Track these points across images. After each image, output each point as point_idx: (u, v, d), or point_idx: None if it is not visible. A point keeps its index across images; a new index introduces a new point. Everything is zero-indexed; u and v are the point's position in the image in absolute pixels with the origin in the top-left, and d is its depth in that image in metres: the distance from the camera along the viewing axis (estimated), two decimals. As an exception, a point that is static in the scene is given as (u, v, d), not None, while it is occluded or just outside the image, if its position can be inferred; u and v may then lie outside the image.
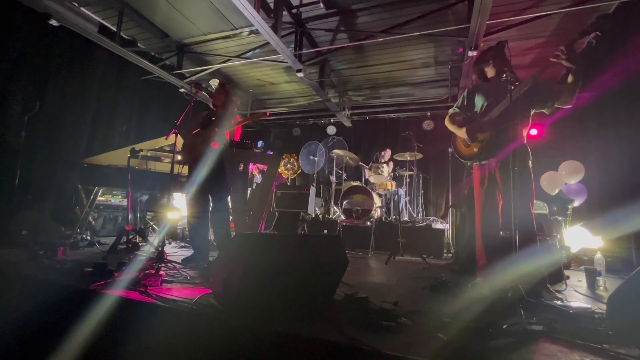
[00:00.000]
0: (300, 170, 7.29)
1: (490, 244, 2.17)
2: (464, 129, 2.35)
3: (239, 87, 6.55)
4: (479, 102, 2.34)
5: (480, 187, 2.28)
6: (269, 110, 7.42)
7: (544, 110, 2.20)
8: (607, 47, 4.05)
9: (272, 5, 4.06)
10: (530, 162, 2.16)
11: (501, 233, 2.15)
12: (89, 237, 3.68)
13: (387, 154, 5.93)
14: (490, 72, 2.31)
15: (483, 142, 2.25)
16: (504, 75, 1.96)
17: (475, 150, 2.31)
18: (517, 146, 2.08)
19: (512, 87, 1.93)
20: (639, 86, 4.03)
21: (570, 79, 1.98)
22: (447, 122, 2.51)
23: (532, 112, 2.20)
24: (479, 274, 2.24)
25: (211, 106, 2.97)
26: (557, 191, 4.78)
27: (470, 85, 2.47)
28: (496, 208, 2.19)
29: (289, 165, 7.42)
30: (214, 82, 2.90)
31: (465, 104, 2.44)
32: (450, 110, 2.53)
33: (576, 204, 4.45)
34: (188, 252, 3.02)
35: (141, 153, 3.82)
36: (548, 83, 2.16)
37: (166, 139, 3.65)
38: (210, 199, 2.89)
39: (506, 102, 2.08)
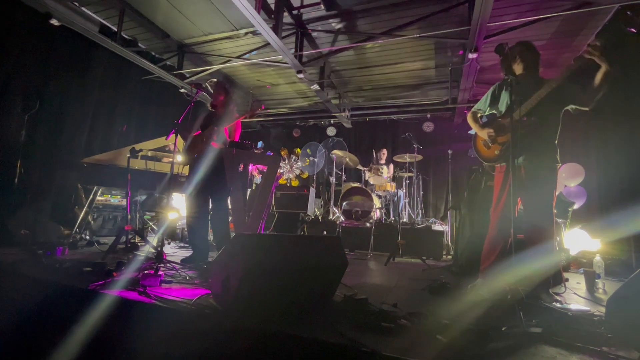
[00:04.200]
0: (306, 175, 7.15)
1: (506, 247, 2.11)
2: (485, 130, 2.27)
3: (240, 87, 6.55)
4: (504, 100, 2.25)
5: (501, 189, 2.19)
6: (269, 110, 7.43)
7: (569, 109, 2.13)
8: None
9: (273, 6, 4.07)
10: (558, 164, 2.10)
11: (518, 236, 2.10)
12: (88, 237, 3.67)
13: (384, 154, 5.92)
14: (518, 68, 2.19)
15: (504, 145, 2.18)
16: (508, 79, 1.94)
17: (496, 152, 2.23)
18: (543, 147, 2.05)
19: (510, 89, 1.92)
20: (639, 88, 4.03)
21: (598, 79, 1.90)
22: (469, 120, 2.43)
23: (562, 111, 2.12)
24: (482, 275, 2.22)
25: (209, 107, 2.96)
26: (557, 193, 4.78)
27: (496, 83, 2.36)
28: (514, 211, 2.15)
29: (286, 167, 7.15)
30: (211, 82, 2.91)
31: (490, 102, 2.34)
32: (474, 108, 2.44)
33: (576, 206, 4.45)
34: (187, 253, 3.02)
35: (141, 153, 3.82)
36: (573, 83, 2.06)
37: (166, 139, 3.65)
38: (210, 199, 2.89)
39: (530, 103, 2.03)
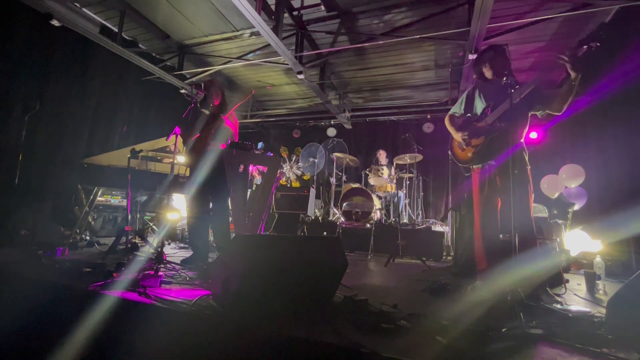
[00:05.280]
0: (308, 176, 7.11)
1: (491, 248, 2.16)
2: (459, 133, 2.35)
3: (240, 88, 6.56)
4: (479, 104, 2.33)
5: (480, 191, 2.27)
6: (269, 111, 7.43)
7: (537, 114, 2.21)
8: (606, 50, 4.06)
9: (273, 7, 4.08)
10: (528, 166, 2.15)
11: (500, 236, 2.14)
12: (88, 237, 3.67)
13: (382, 155, 5.89)
14: (487, 73, 2.31)
15: (477, 147, 2.26)
16: (504, 78, 1.97)
17: (469, 154, 2.31)
18: (515, 150, 2.08)
19: (512, 91, 1.94)
20: (638, 90, 4.04)
21: (566, 86, 1.97)
22: (446, 123, 2.51)
23: (530, 114, 2.21)
24: (479, 277, 2.23)
25: (205, 110, 2.94)
26: (557, 195, 4.78)
27: (470, 86, 2.47)
28: (496, 211, 2.19)
29: (287, 167, 7.06)
30: (206, 82, 2.90)
31: (465, 105, 2.42)
32: (450, 111, 2.52)
33: (576, 207, 4.44)
34: (187, 253, 3.02)
35: (141, 153, 3.82)
36: (546, 88, 2.17)
37: (167, 139, 3.66)
38: (210, 200, 2.89)
39: (504, 106, 2.08)
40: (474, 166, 2.34)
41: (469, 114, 2.40)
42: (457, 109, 2.47)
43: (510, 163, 1.87)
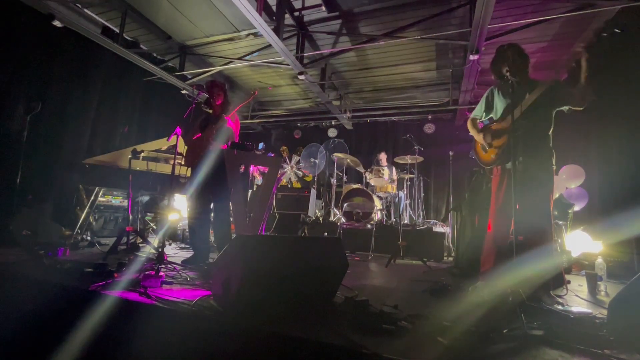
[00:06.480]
0: (310, 177, 7.07)
1: (504, 249, 2.12)
2: (481, 135, 2.33)
3: (241, 88, 6.56)
4: (499, 104, 2.30)
5: (497, 191, 2.24)
6: (270, 111, 7.44)
7: (563, 109, 2.17)
8: (607, 50, 4.05)
9: (274, 8, 4.09)
10: (554, 166, 2.13)
11: (518, 238, 2.10)
12: (89, 238, 3.68)
13: (383, 158, 5.86)
14: (510, 72, 2.17)
15: (500, 148, 2.22)
16: (508, 81, 1.96)
17: (492, 156, 2.28)
18: (538, 149, 2.08)
19: (512, 90, 1.93)
20: (639, 89, 4.02)
21: (582, 81, 1.97)
22: (469, 126, 2.48)
23: (554, 112, 2.17)
24: (481, 278, 2.22)
25: (208, 110, 2.96)
26: (557, 195, 4.77)
27: (490, 88, 2.41)
28: (512, 213, 2.15)
29: (288, 167, 6.95)
30: (208, 83, 2.92)
31: (485, 107, 2.40)
32: (472, 115, 2.51)
33: (577, 208, 4.43)
34: (188, 254, 3.02)
35: (142, 154, 3.83)
36: (565, 84, 2.15)
37: (167, 139, 3.66)
38: (211, 200, 2.89)
39: (524, 105, 2.05)
40: (494, 167, 2.30)
41: (491, 116, 2.38)
42: (478, 112, 2.45)
43: (513, 163, 1.85)
